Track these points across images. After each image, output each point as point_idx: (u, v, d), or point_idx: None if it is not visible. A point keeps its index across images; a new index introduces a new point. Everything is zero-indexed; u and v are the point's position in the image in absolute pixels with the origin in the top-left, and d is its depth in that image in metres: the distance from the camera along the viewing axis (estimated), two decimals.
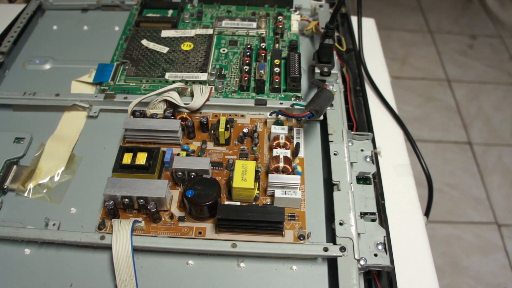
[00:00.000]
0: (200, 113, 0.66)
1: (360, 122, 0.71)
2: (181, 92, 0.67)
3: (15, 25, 0.81)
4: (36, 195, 0.58)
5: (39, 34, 0.83)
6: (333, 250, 0.51)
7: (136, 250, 0.51)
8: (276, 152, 0.59)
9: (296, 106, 0.65)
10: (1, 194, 0.58)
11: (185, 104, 0.65)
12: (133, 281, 0.49)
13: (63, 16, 0.86)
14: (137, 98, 0.64)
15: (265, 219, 0.51)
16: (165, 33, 0.77)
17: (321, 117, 0.64)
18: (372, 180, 0.59)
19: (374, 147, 0.63)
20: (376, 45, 0.91)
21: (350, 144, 0.62)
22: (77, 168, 0.61)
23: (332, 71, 0.69)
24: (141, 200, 0.53)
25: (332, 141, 0.61)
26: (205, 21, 0.81)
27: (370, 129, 0.69)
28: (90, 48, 0.79)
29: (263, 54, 0.73)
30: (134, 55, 0.73)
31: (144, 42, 0.75)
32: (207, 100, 0.66)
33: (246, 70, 0.70)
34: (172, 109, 0.64)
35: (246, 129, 0.62)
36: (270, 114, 0.64)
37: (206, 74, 0.70)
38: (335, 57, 0.71)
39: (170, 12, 0.83)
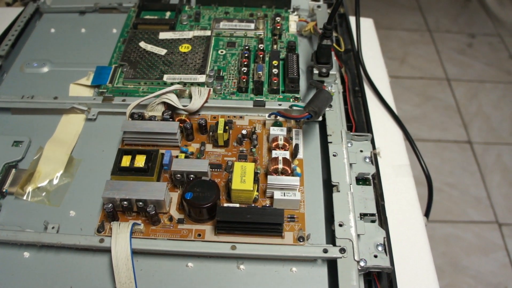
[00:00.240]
0: (199, 115, 0.66)
1: (359, 123, 0.71)
2: (179, 94, 0.67)
3: (12, 29, 0.81)
4: (35, 199, 0.58)
5: (36, 37, 0.83)
6: (333, 252, 0.51)
7: (135, 252, 0.51)
8: (275, 153, 0.59)
9: (294, 107, 0.65)
10: (0, 197, 0.58)
11: (184, 106, 0.65)
12: (132, 284, 0.49)
13: (60, 19, 0.86)
14: (135, 100, 0.64)
15: (264, 221, 0.51)
16: (163, 35, 0.77)
17: (320, 118, 0.64)
18: (371, 181, 0.59)
19: (374, 147, 0.63)
20: (374, 45, 0.91)
21: (349, 145, 0.62)
22: (76, 171, 0.61)
23: (331, 72, 0.69)
24: (140, 203, 0.53)
25: (331, 142, 0.61)
26: (203, 22, 0.81)
27: (369, 129, 0.69)
28: (88, 51, 0.79)
29: (261, 55, 0.73)
30: (132, 57, 0.73)
31: (142, 44, 0.75)
32: (206, 102, 0.66)
33: (245, 71, 0.70)
34: (171, 111, 0.64)
35: (245, 131, 0.62)
36: (269, 116, 0.64)
37: (204, 76, 0.70)
38: (334, 58, 0.71)
39: (168, 14, 0.83)
